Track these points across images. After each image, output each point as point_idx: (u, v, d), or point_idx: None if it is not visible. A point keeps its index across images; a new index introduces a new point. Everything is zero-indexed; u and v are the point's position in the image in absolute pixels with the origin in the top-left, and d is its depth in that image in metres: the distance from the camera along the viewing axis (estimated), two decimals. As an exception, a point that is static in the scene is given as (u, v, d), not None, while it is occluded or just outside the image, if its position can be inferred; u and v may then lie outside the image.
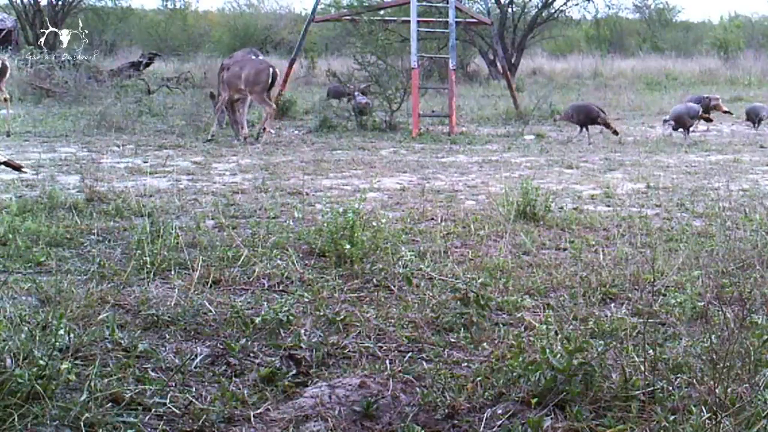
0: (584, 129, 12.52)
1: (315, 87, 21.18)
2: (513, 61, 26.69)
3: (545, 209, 6.29)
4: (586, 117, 12.58)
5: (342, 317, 3.92)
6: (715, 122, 14.97)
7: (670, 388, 3.02)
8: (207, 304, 4.02)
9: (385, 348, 3.61)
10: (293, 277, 4.62)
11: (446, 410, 2.97)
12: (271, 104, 11.80)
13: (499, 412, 2.94)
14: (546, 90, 19.02)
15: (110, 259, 4.87)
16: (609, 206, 7.13)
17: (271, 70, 11.64)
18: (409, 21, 13.87)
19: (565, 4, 29.47)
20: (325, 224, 5.18)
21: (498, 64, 23.16)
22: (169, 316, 3.85)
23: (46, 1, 30.34)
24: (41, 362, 2.88)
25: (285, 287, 4.50)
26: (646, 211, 6.85)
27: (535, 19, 28.68)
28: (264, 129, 11.78)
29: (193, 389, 3.13)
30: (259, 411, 2.97)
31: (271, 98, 11.93)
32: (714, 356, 3.01)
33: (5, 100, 12.25)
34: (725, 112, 14.62)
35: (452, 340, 3.73)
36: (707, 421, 2.71)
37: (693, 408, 2.83)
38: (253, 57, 12.62)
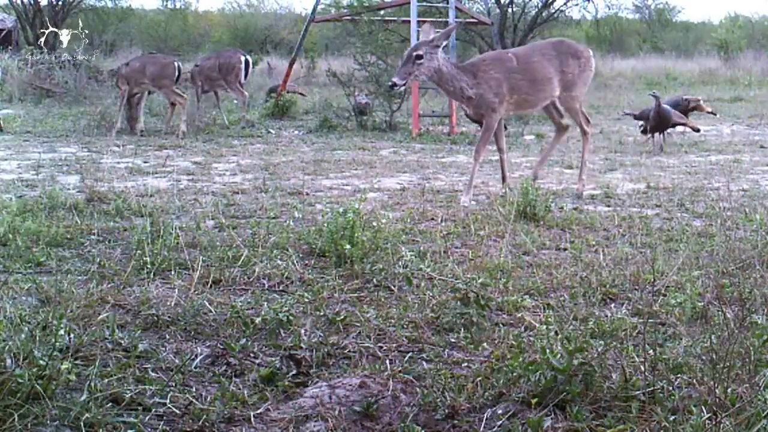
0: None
1: (315, 87, 21.16)
2: (513, 61, 26.65)
3: (545, 209, 6.29)
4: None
5: (342, 317, 3.92)
6: (715, 123, 14.94)
7: (670, 388, 3.01)
8: (207, 304, 4.02)
9: (385, 348, 3.61)
10: (293, 277, 4.61)
11: (446, 410, 2.97)
12: (184, 96, 12.46)
13: (499, 412, 2.94)
14: (546, 90, 18.95)
15: (110, 259, 4.87)
16: (609, 206, 7.13)
17: (176, 64, 12.70)
18: (409, 21, 13.87)
19: (565, 4, 29.47)
20: (326, 224, 5.17)
21: (498, 64, 23.12)
22: (169, 316, 3.85)
23: (46, 1, 30.37)
24: (41, 362, 2.88)
25: (285, 287, 4.50)
26: (646, 211, 6.85)
27: (535, 19, 28.66)
28: (180, 122, 12.23)
29: (193, 389, 3.13)
30: (259, 411, 2.97)
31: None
32: (714, 356, 3.01)
33: None
34: (709, 112, 13.53)
35: (452, 340, 3.73)
36: (707, 421, 2.71)
37: (693, 408, 2.82)
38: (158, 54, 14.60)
